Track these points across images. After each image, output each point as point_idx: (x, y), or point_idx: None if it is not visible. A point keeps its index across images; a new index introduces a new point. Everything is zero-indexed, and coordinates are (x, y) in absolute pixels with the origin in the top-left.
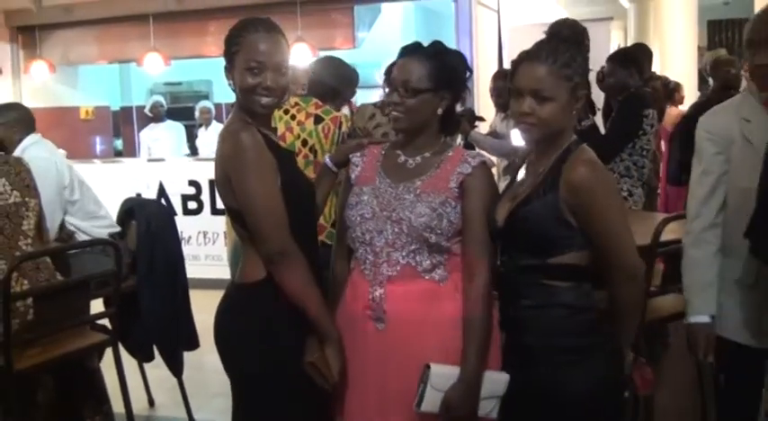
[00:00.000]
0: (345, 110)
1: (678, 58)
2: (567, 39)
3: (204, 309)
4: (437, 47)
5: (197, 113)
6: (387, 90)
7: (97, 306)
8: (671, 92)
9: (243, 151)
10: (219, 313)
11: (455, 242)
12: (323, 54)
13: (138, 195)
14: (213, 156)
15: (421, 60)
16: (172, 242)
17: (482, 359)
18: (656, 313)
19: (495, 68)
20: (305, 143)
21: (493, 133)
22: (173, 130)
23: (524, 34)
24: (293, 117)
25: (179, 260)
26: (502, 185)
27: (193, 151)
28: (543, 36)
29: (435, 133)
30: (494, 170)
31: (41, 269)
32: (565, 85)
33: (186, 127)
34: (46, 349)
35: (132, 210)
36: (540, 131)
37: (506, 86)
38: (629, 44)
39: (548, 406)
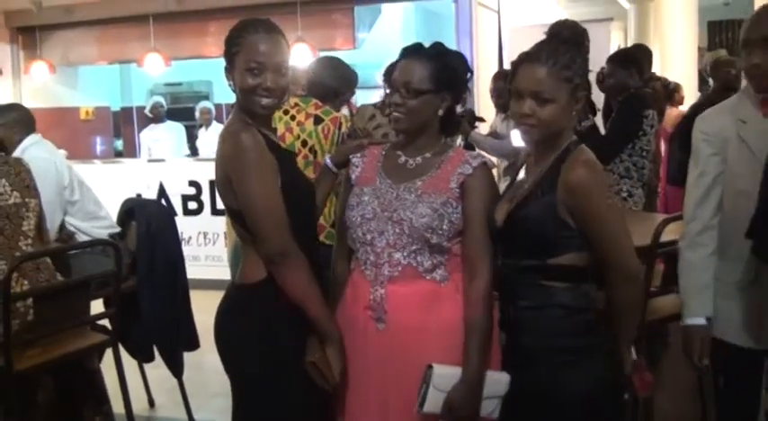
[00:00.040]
0: (345, 110)
1: (678, 59)
2: (567, 40)
3: (204, 309)
4: (438, 48)
5: (197, 114)
6: (387, 91)
7: (97, 306)
8: (671, 92)
9: (243, 152)
10: (220, 314)
11: (456, 242)
12: (323, 55)
13: (139, 196)
14: (213, 156)
15: (422, 61)
16: (172, 242)
17: (484, 359)
18: (657, 313)
19: (495, 69)
20: (304, 144)
21: (493, 134)
22: (173, 131)
23: (524, 35)
24: (293, 117)
25: (179, 260)
26: (502, 186)
27: (194, 152)
28: (543, 37)
29: (436, 134)
30: (494, 171)
31: (42, 269)
32: (565, 87)
33: (186, 127)
34: (46, 349)
35: (132, 210)
36: (539, 133)
37: (506, 87)
38: (629, 45)
39: (546, 406)
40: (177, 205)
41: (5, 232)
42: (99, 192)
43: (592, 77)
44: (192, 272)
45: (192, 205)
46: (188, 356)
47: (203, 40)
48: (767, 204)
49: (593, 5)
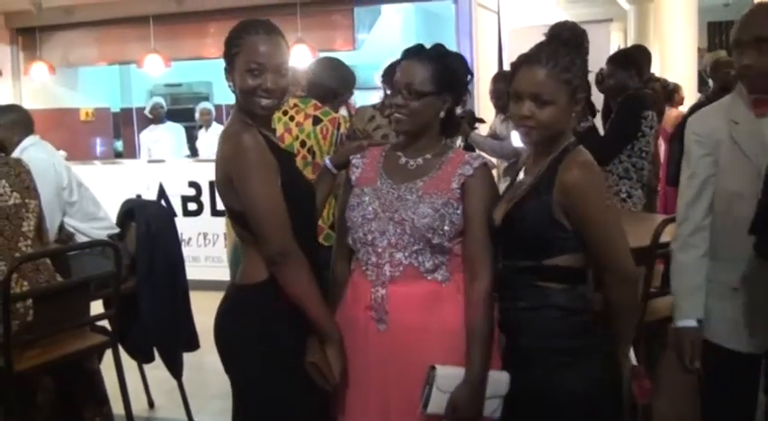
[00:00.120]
0: (343, 111)
1: (678, 60)
2: (567, 41)
3: (204, 310)
4: (439, 49)
5: (197, 115)
6: (388, 91)
7: (97, 307)
8: (670, 93)
9: (244, 152)
10: (220, 314)
11: (457, 243)
12: (323, 55)
13: (138, 196)
14: (213, 157)
15: (424, 63)
16: (172, 243)
17: (486, 360)
18: (656, 314)
19: (495, 70)
20: (303, 144)
21: (493, 135)
22: (173, 132)
23: (524, 36)
24: (292, 118)
25: (179, 261)
26: (502, 187)
27: (193, 152)
28: (543, 38)
29: (436, 135)
30: (494, 172)
31: (41, 270)
32: (564, 89)
33: (186, 128)
34: (46, 350)
35: (132, 211)
36: (539, 134)
37: (506, 89)
38: (628, 46)
39: (544, 407)
40: (177, 206)
41: (5, 233)
42: (99, 192)
43: (591, 78)
44: (192, 272)
45: (192, 206)
46: (187, 357)
47: (203, 41)
48: None
49: (592, 6)
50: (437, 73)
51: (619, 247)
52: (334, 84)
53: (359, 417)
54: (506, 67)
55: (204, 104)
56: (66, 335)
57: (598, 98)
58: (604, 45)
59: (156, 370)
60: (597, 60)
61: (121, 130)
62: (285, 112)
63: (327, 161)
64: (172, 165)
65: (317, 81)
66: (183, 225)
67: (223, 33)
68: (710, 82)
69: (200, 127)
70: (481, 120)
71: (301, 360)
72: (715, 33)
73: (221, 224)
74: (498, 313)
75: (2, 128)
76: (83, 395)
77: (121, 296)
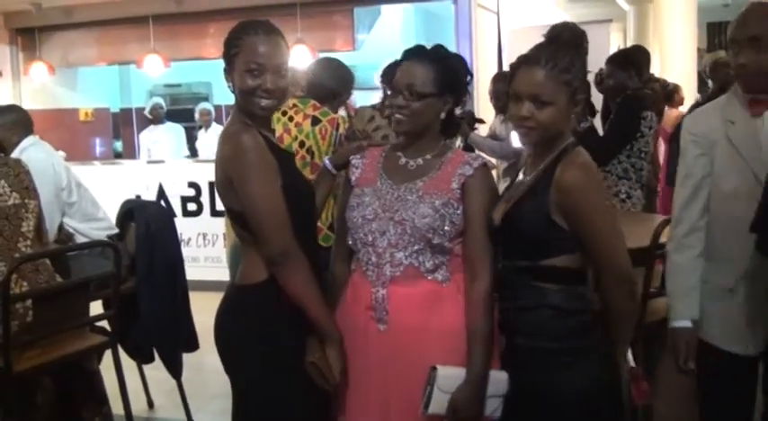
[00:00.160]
0: (342, 112)
1: (678, 60)
2: (566, 43)
3: (203, 310)
4: (440, 51)
5: (197, 115)
6: (389, 92)
7: (96, 308)
8: (670, 93)
9: (244, 152)
10: (220, 314)
11: (457, 243)
12: (322, 56)
13: (138, 197)
14: (213, 157)
15: (425, 64)
16: (171, 244)
17: (487, 360)
18: (656, 315)
19: (494, 70)
20: (302, 145)
21: (492, 135)
22: (172, 132)
23: (524, 36)
24: (291, 119)
25: (178, 262)
26: (502, 187)
27: (193, 153)
28: (543, 38)
29: (436, 135)
30: (493, 172)
31: (41, 271)
32: (564, 90)
33: (186, 129)
34: (45, 351)
35: (132, 211)
36: (538, 135)
37: (506, 89)
38: (628, 46)
39: (542, 408)
40: (176, 206)
41: (4, 233)
42: (98, 193)
43: (590, 78)
44: (192, 273)
45: (192, 206)
46: (187, 357)
47: (203, 42)
48: None
49: (592, 7)
50: (439, 74)
51: (616, 249)
52: (333, 84)
53: (359, 418)
54: (506, 68)
55: (204, 105)
56: (66, 336)
57: (597, 98)
58: (604, 45)
59: (156, 370)
60: (597, 61)
61: (121, 131)
62: (284, 113)
63: (327, 161)
64: (171, 166)
65: (316, 81)
66: (183, 225)
67: (223, 34)
68: (710, 82)
69: (200, 127)
70: (481, 121)
71: (301, 360)
72: (714, 34)
73: (221, 224)
74: (497, 313)
75: (1, 128)
76: (82, 395)
77: (121, 296)
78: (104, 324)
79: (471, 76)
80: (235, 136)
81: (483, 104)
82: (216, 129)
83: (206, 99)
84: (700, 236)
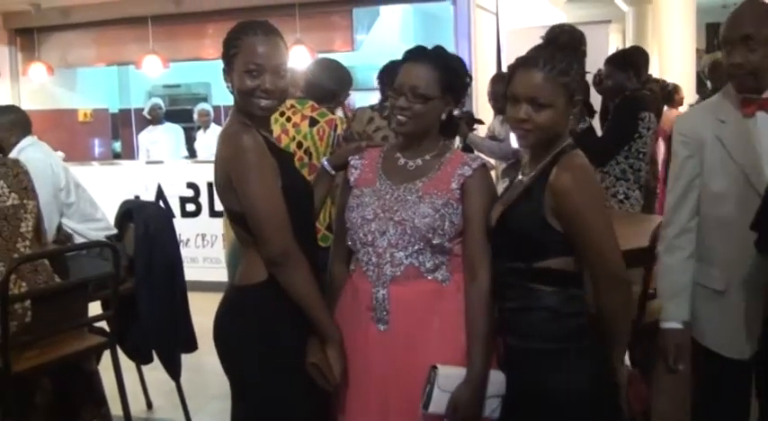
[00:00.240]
0: (339, 112)
1: (676, 61)
2: (564, 45)
3: (202, 311)
4: (441, 52)
5: (195, 116)
6: (390, 93)
7: (95, 308)
8: (669, 93)
9: (244, 153)
10: (219, 315)
11: (457, 243)
12: (321, 56)
13: (137, 198)
14: (212, 158)
15: (428, 67)
16: (170, 244)
17: (487, 359)
18: (655, 315)
19: (493, 71)
20: (300, 145)
21: (491, 136)
22: (171, 133)
23: (523, 37)
24: (288, 119)
25: (177, 262)
26: (500, 188)
27: (192, 154)
28: (541, 39)
29: (435, 136)
30: (492, 173)
31: (39, 271)
32: (562, 92)
33: (185, 129)
34: (44, 351)
35: (130, 212)
36: (535, 137)
37: (504, 90)
38: (627, 47)
39: (536, 408)
40: (175, 207)
41: (3, 234)
42: (97, 193)
43: (589, 79)
44: (190, 273)
45: (191, 207)
46: (186, 358)
47: (201, 42)
48: None
49: (591, 8)
50: (441, 77)
51: (610, 252)
52: (332, 85)
53: (359, 418)
54: (505, 69)
55: (203, 105)
56: (65, 337)
57: (596, 99)
58: (603, 46)
59: (155, 371)
60: (596, 61)
61: (120, 131)
62: (282, 113)
63: (325, 162)
64: (170, 167)
65: (315, 82)
66: (182, 226)
67: (221, 34)
68: (709, 83)
69: (199, 128)
70: (480, 122)
71: (300, 360)
72: (713, 34)
73: (219, 225)
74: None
75: (0, 128)
76: (81, 396)
77: (120, 297)
78: (103, 324)
79: (470, 77)
80: (234, 136)
81: (482, 105)
82: (215, 130)
83: (205, 100)
84: (690, 237)
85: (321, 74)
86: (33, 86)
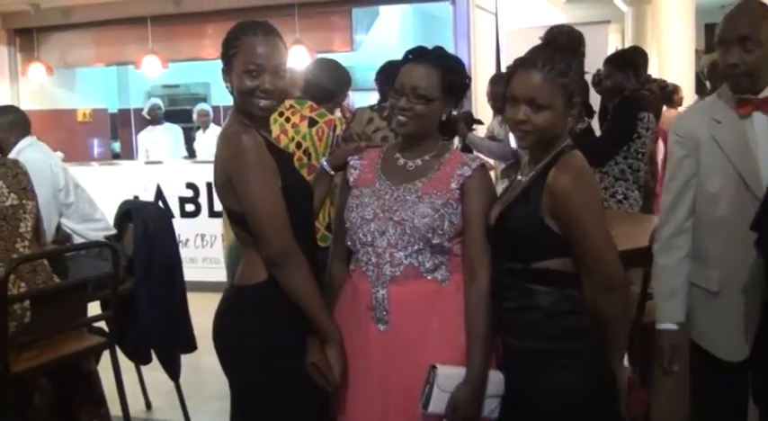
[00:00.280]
0: (338, 112)
1: (675, 61)
2: (563, 46)
3: (201, 311)
4: (441, 53)
5: (195, 116)
6: (391, 93)
7: (94, 309)
8: (669, 94)
9: (244, 153)
10: (219, 315)
11: (456, 243)
12: (320, 57)
13: (136, 198)
14: (211, 158)
15: (429, 68)
16: (169, 245)
17: (486, 359)
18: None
19: (492, 71)
20: (299, 146)
21: (490, 136)
22: (170, 133)
23: (522, 37)
24: (288, 120)
25: (176, 263)
26: (499, 188)
27: (191, 154)
28: (541, 40)
29: (435, 136)
30: (491, 173)
31: (39, 271)
32: (560, 93)
33: (184, 129)
34: (43, 352)
35: (129, 212)
36: (534, 138)
37: (503, 91)
38: (626, 47)
39: (533, 408)
40: (174, 207)
41: (2, 234)
42: (96, 194)
43: (588, 79)
44: (190, 274)
45: (190, 207)
46: (185, 358)
47: (201, 42)
48: None
49: (590, 8)
50: (443, 78)
51: (605, 254)
52: (331, 85)
53: (359, 418)
54: (504, 69)
55: (202, 105)
56: (64, 337)
57: (595, 99)
58: (602, 46)
59: (154, 371)
60: (595, 62)
61: (119, 132)
62: (281, 114)
63: (325, 163)
64: (169, 167)
65: (314, 82)
66: (181, 226)
67: (221, 34)
68: (708, 83)
69: (198, 128)
70: (479, 122)
71: (300, 360)
72: (712, 35)
73: (219, 225)
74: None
75: None
76: (80, 396)
77: (119, 297)
78: (102, 325)
79: (470, 78)
80: (234, 136)
81: (481, 105)
82: (214, 130)
83: (204, 100)
84: (686, 237)
85: (320, 74)
86: (32, 86)
